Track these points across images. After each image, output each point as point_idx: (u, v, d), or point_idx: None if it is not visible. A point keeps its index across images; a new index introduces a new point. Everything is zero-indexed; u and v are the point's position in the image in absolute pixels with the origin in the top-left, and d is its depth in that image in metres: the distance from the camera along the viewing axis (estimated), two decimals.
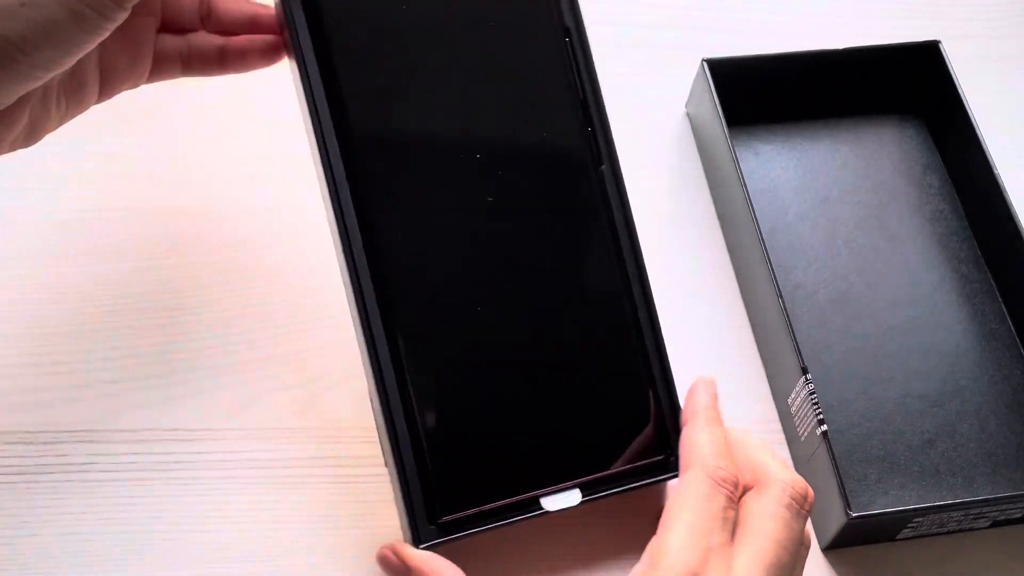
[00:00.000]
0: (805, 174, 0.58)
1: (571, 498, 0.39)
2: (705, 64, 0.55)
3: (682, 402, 0.43)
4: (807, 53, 0.57)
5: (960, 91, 0.56)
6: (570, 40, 0.40)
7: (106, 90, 0.42)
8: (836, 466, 0.45)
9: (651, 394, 0.41)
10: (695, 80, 0.58)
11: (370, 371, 0.39)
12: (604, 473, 0.40)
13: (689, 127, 0.60)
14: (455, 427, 0.39)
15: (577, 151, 0.40)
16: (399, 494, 0.39)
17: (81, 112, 0.42)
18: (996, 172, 0.53)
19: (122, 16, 0.36)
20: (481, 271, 0.39)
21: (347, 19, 0.38)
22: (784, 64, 0.57)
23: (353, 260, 0.38)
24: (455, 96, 0.39)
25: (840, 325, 0.53)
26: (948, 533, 0.48)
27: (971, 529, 0.48)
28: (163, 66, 0.43)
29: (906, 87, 0.59)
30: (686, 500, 0.37)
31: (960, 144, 0.56)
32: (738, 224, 0.53)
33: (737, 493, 0.38)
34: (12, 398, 0.47)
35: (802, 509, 0.38)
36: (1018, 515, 0.48)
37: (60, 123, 0.41)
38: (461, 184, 0.39)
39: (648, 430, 0.41)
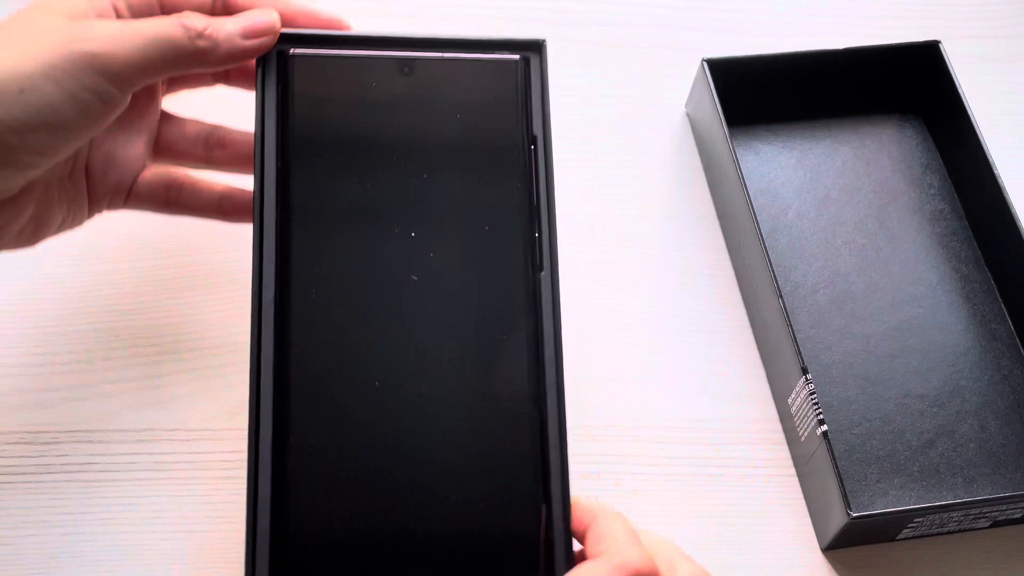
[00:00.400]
0: (805, 174, 0.58)
1: None
2: (705, 64, 0.55)
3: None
4: (807, 53, 0.57)
5: (960, 91, 0.56)
6: (535, 148, 0.41)
7: (96, 199, 0.41)
8: (836, 466, 0.45)
9: (544, 511, 0.37)
10: (695, 80, 0.58)
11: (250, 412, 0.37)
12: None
13: (689, 127, 0.60)
14: (320, 493, 0.36)
15: (519, 252, 0.39)
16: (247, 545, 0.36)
17: (78, 222, 0.42)
18: (996, 172, 0.53)
19: (122, 102, 0.36)
20: (389, 347, 0.38)
21: (312, 99, 0.39)
22: (784, 64, 0.57)
23: (260, 312, 0.37)
24: (406, 181, 0.39)
25: (840, 325, 0.53)
26: (948, 533, 0.48)
27: (971, 529, 0.48)
28: (150, 191, 0.42)
29: (906, 87, 0.59)
30: None
31: (960, 144, 0.56)
32: (738, 224, 0.53)
33: None
34: (12, 398, 0.47)
35: None
36: (1018, 515, 0.48)
37: (61, 228, 0.41)
38: (389, 260, 0.38)
39: (531, 547, 0.37)
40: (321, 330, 0.38)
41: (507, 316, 0.39)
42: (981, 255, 0.55)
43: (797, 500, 0.49)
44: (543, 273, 0.40)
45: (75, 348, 0.48)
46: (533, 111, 0.41)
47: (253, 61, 0.40)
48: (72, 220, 0.41)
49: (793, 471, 0.49)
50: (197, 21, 0.37)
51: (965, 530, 0.48)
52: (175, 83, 0.43)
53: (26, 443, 0.46)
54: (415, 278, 0.38)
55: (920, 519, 0.46)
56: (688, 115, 0.60)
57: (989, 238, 0.55)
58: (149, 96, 0.42)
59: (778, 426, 0.50)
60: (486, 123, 0.40)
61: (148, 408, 0.47)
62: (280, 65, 0.39)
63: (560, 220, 0.54)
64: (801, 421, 0.48)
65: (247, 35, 0.38)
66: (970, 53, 0.62)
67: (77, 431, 0.46)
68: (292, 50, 0.40)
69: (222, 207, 0.44)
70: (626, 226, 0.56)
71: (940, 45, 0.57)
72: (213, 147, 0.43)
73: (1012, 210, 0.52)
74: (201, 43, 0.37)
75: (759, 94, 0.57)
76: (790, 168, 0.58)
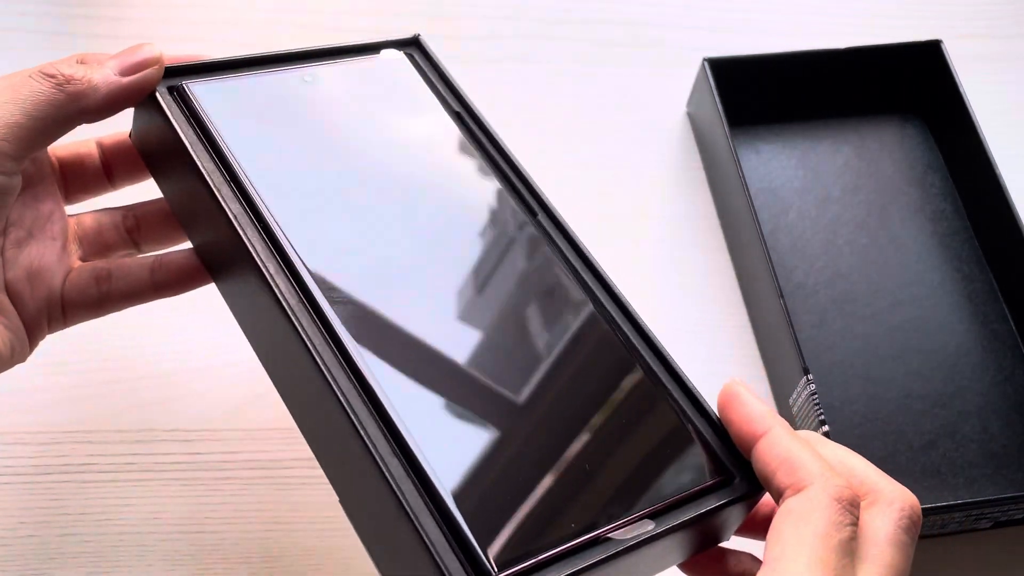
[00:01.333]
0: (806, 174, 0.58)
1: (645, 527, 0.34)
2: (706, 64, 0.55)
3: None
4: (808, 53, 0.57)
5: (961, 91, 0.56)
6: (465, 122, 0.43)
7: (32, 323, 0.38)
8: None
9: (682, 417, 0.37)
10: (696, 80, 0.58)
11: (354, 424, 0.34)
12: (672, 499, 0.35)
13: (690, 127, 0.59)
14: (483, 481, 0.34)
15: (508, 205, 0.41)
16: (419, 558, 0.33)
17: (20, 358, 0.38)
18: (997, 171, 0.53)
19: (12, 182, 0.34)
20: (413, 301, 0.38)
21: (232, 123, 0.39)
22: (785, 64, 0.57)
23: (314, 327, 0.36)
24: (367, 172, 0.40)
25: (841, 325, 0.53)
26: (950, 534, 0.48)
27: (973, 530, 0.48)
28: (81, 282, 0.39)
29: (907, 87, 0.59)
30: (813, 527, 0.31)
31: (961, 144, 0.56)
32: (739, 224, 0.53)
33: (859, 515, 0.32)
34: (12, 398, 0.47)
35: (918, 532, 0.33)
36: (1020, 516, 0.48)
37: (11, 361, 0.37)
38: (398, 241, 0.39)
39: (698, 452, 0.36)
40: (381, 332, 0.37)
41: (535, 270, 0.40)
42: (983, 255, 0.55)
43: None
44: (539, 216, 0.41)
45: (75, 348, 0.48)
46: (446, 94, 0.43)
47: (127, 137, 0.39)
48: (18, 353, 0.37)
49: None
50: (64, 67, 0.35)
51: (967, 531, 0.48)
52: (72, 191, 0.41)
53: (26, 443, 0.46)
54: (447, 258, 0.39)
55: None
56: (689, 115, 0.60)
57: (990, 238, 0.55)
58: (50, 198, 0.39)
59: None
60: (404, 112, 0.41)
61: (148, 408, 0.47)
62: (183, 99, 0.38)
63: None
64: (802, 421, 0.48)
65: (126, 71, 0.36)
66: (970, 53, 0.62)
67: (77, 431, 0.46)
68: (186, 83, 0.38)
69: (155, 280, 0.40)
70: (626, 226, 0.56)
71: (941, 45, 0.57)
72: (131, 229, 0.41)
73: (1013, 210, 0.52)
74: (71, 88, 0.35)
75: (760, 94, 0.57)
76: (791, 168, 0.58)
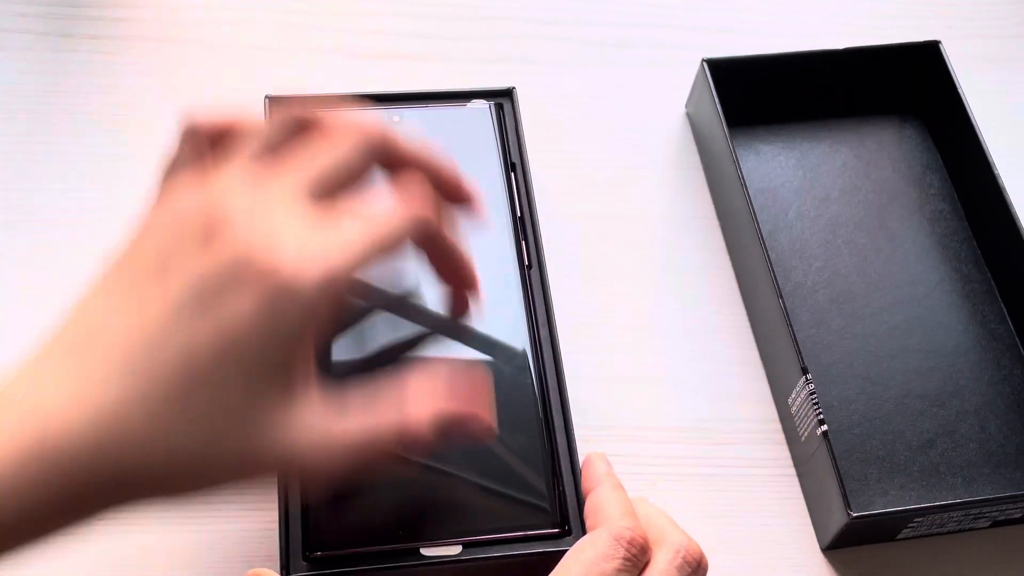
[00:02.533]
0: (805, 174, 0.58)
1: (451, 550, 0.39)
2: (705, 64, 0.55)
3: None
4: (807, 53, 0.57)
5: (960, 91, 0.56)
6: (514, 173, 0.49)
7: None
8: (836, 466, 0.45)
9: (553, 468, 0.42)
10: (695, 80, 0.58)
11: None
12: (490, 536, 0.40)
13: (689, 127, 0.60)
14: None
15: (509, 253, 0.46)
16: (280, 523, 0.40)
17: None
18: (996, 172, 0.53)
19: None
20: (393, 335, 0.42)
21: None
22: (784, 64, 0.57)
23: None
24: None
25: (840, 325, 0.53)
26: (948, 533, 0.48)
27: (971, 529, 0.48)
28: None
29: (906, 87, 0.59)
30: (585, 555, 0.37)
31: (960, 144, 0.56)
32: (738, 224, 0.53)
33: (642, 558, 0.37)
34: None
35: (694, 573, 0.38)
36: (1018, 515, 0.48)
37: None
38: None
39: (546, 500, 0.41)
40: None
41: (502, 301, 0.45)
42: (981, 255, 0.55)
43: (797, 500, 0.49)
44: (532, 270, 0.47)
45: None
46: (510, 145, 0.50)
47: None
48: None
49: (793, 471, 0.49)
50: None
51: (965, 530, 0.48)
52: None
53: None
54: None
55: (920, 519, 0.46)
56: (688, 115, 0.60)
57: (989, 238, 0.55)
58: None
59: (778, 426, 0.50)
60: (468, 156, 0.44)
61: None
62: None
63: (560, 220, 0.55)
64: (801, 421, 0.48)
65: None
66: (970, 53, 0.62)
67: None
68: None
69: None
70: (626, 226, 0.56)
71: (940, 45, 0.57)
72: None
73: (1012, 210, 0.52)
74: None
75: (759, 94, 0.57)
76: (790, 168, 0.58)
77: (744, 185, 0.52)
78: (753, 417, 0.51)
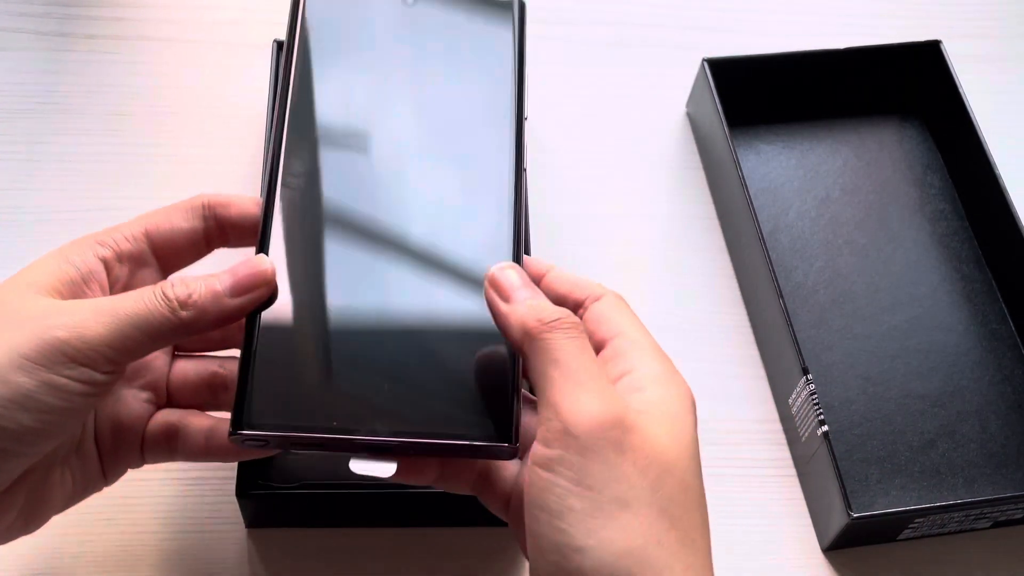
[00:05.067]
0: (806, 174, 0.58)
1: (385, 470, 0.36)
2: (706, 64, 0.55)
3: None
4: (807, 53, 0.57)
5: (960, 91, 0.56)
6: (520, 67, 0.45)
7: (111, 469, 0.39)
8: (837, 467, 0.45)
9: (510, 380, 0.38)
10: (695, 80, 0.58)
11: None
12: (431, 441, 0.36)
13: (689, 127, 0.59)
14: (290, 345, 0.37)
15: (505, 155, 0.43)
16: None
17: (93, 491, 0.39)
18: (997, 172, 0.53)
19: (108, 381, 0.34)
20: (368, 198, 0.40)
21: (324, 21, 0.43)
22: (784, 64, 0.57)
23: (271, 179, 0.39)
24: (407, 89, 0.42)
25: (841, 325, 0.53)
26: (949, 533, 0.48)
27: (972, 529, 0.48)
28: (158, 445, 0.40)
29: (906, 87, 0.59)
30: (629, 315, 0.37)
31: (961, 144, 0.56)
32: (738, 224, 0.53)
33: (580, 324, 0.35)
34: None
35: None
36: (1019, 515, 0.48)
37: (67, 504, 0.38)
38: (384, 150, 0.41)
39: (495, 410, 0.37)
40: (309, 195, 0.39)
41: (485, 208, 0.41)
42: (982, 255, 0.55)
43: (797, 500, 0.49)
44: (526, 173, 0.43)
45: None
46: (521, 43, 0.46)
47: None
48: (79, 494, 0.38)
49: (793, 471, 0.49)
50: (180, 289, 0.35)
51: (966, 530, 0.48)
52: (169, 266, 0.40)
53: None
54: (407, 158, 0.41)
55: (921, 519, 0.46)
56: (688, 115, 0.60)
57: (990, 238, 0.55)
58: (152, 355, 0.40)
59: (778, 426, 0.50)
60: (479, 48, 0.43)
61: None
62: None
63: (560, 219, 0.55)
64: (802, 421, 0.48)
65: (236, 292, 0.35)
66: (970, 53, 0.62)
67: None
68: None
69: (208, 447, 0.40)
70: (626, 226, 0.56)
71: (940, 45, 0.57)
72: (217, 390, 0.41)
73: (1013, 210, 0.52)
74: (185, 314, 0.34)
75: (760, 94, 0.57)
76: (791, 168, 0.58)
77: (744, 185, 0.52)
78: (753, 417, 0.51)
